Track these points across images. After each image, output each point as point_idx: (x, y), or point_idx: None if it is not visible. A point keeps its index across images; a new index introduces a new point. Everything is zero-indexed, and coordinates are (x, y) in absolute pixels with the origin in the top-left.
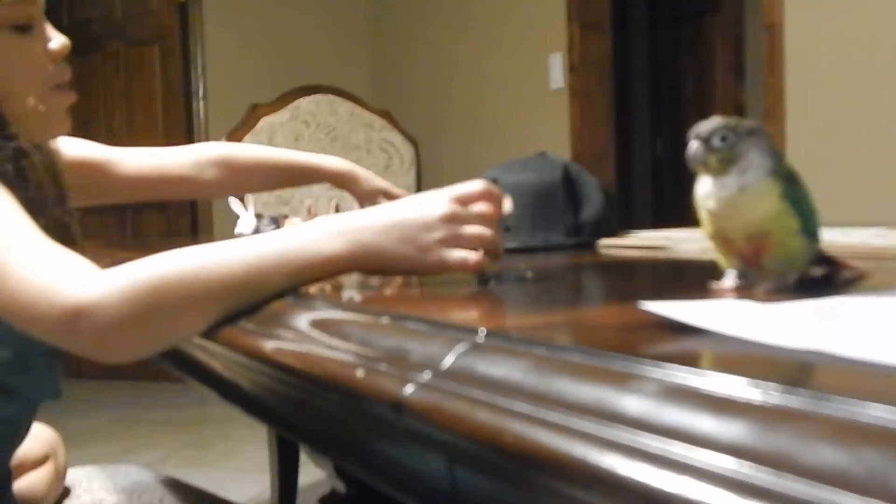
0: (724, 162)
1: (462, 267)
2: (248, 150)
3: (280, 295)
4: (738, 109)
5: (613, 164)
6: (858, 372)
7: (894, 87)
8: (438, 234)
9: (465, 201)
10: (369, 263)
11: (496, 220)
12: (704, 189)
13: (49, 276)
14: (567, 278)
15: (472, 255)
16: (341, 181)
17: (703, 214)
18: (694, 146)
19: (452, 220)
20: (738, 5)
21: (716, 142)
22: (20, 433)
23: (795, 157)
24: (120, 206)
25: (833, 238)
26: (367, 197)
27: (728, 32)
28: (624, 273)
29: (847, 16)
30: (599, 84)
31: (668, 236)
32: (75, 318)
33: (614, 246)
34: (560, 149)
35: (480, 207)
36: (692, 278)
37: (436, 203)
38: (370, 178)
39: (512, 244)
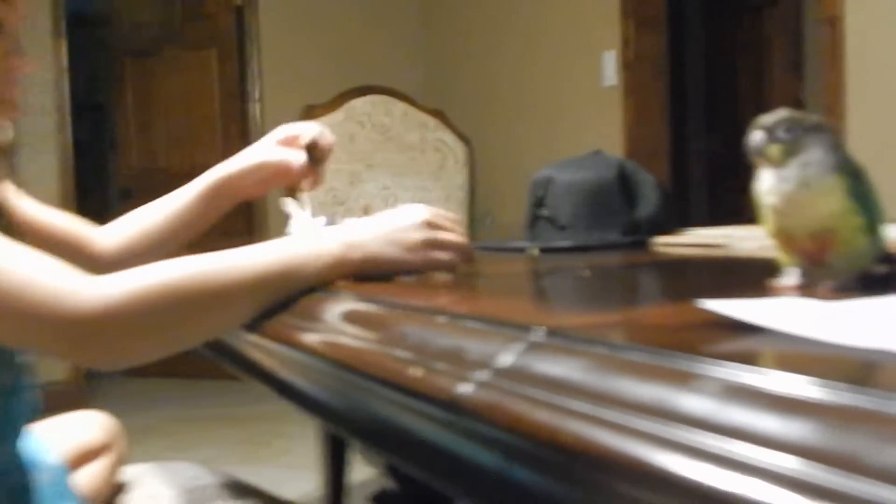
0: (787, 153)
1: (443, 265)
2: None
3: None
4: (797, 106)
5: (668, 161)
6: None
7: None
8: (422, 235)
9: (437, 215)
10: (365, 266)
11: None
12: (765, 183)
13: (46, 289)
14: (624, 277)
15: (451, 256)
16: (268, 173)
17: (763, 210)
18: (758, 135)
19: (431, 225)
20: None
21: (780, 133)
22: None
23: (856, 155)
24: None
25: None
26: (311, 165)
27: (786, 27)
28: (681, 271)
29: None
30: (654, 81)
31: (725, 234)
32: (83, 330)
33: (671, 244)
34: (613, 147)
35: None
36: (751, 276)
37: (416, 212)
38: (292, 148)
39: (568, 243)
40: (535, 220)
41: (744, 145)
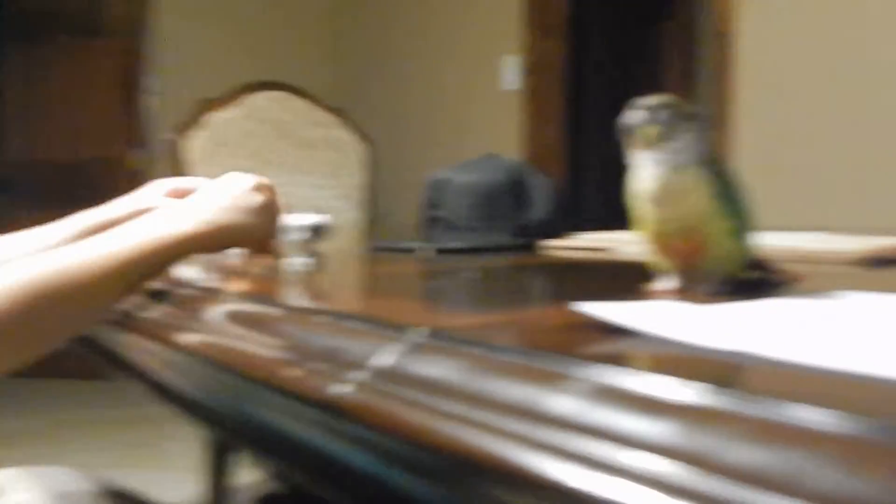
0: (661, 137)
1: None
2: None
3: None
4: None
5: (565, 165)
6: (783, 373)
7: (843, 95)
8: (260, 197)
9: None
10: (218, 238)
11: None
12: (638, 169)
13: None
14: (510, 278)
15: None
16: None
17: (635, 199)
18: (635, 115)
19: (260, 188)
20: (691, 13)
21: (660, 115)
22: None
23: (744, 163)
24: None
25: (774, 242)
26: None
27: (681, 40)
28: (566, 274)
29: (797, 25)
30: (553, 87)
31: (612, 238)
32: None
33: (559, 247)
34: (512, 150)
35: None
36: (632, 280)
37: (244, 177)
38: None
39: (460, 244)
40: (429, 221)
41: (619, 124)
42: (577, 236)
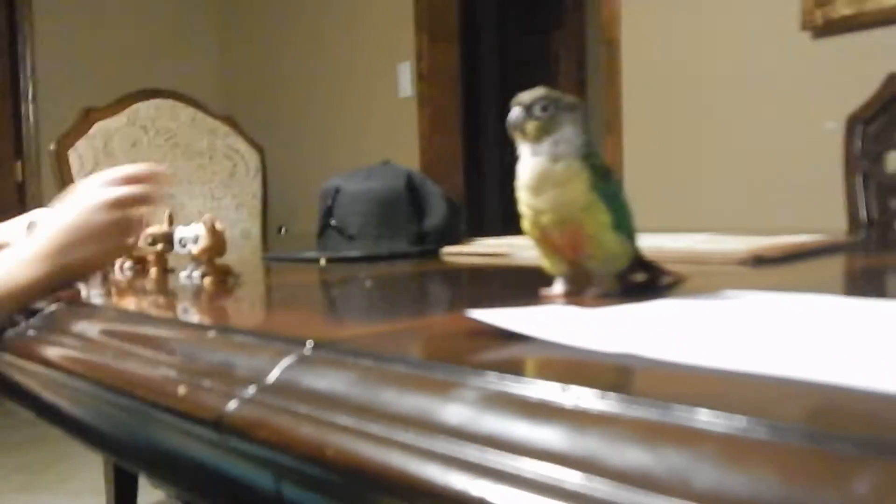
0: (541, 131)
1: (130, 249)
2: None
3: None
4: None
5: (462, 171)
6: (669, 374)
7: (725, 100)
8: (106, 217)
9: (127, 181)
10: (66, 277)
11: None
12: (522, 161)
13: None
14: (407, 286)
15: (135, 240)
16: None
17: (520, 195)
18: (515, 112)
19: (116, 205)
20: (581, 21)
21: (536, 110)
22: None
23: (633, 167)
24: None
25: (660, 243)
26: None
27: (573, 47)
28: (463, 280)
29: (679, 31)
30: (448, 93)
31: (509, 243)
32: None
33: (457, 253)
34: (410, 157)
35: (138, 189)
36: (527, 284)
37: (98, 194)
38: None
39: (356, 253)
40: (324, 230)
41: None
42: (475, 242)
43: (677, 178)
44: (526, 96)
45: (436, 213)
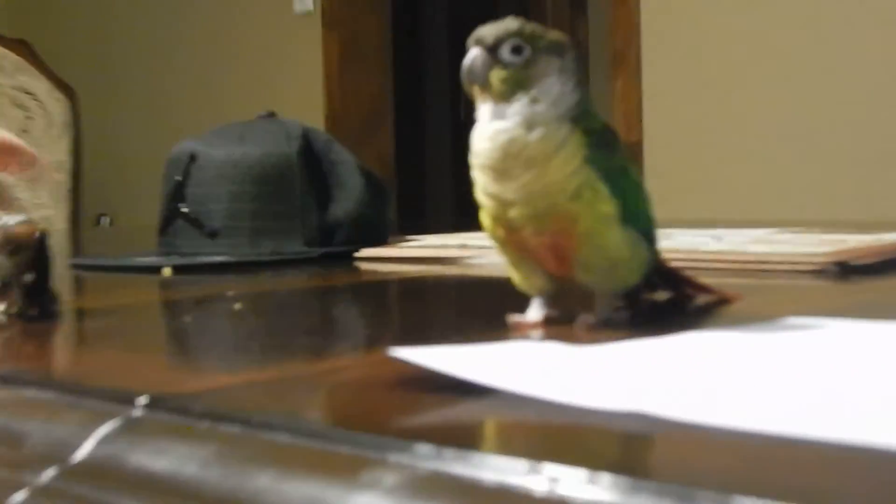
0: (512, 84)
1: None
2: None
3: None
4: (578, 51)
5: (392, 132)
6: (692, 444)
7: (789, 29)
8: None
9: None
10: None
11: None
12: (481, 127)
13: None
14: (299, 311)
15: None
16: None
17: (476, 178)
18: (474, 55)
19: None
20: None
21: (504, 53)
22: None
23: (652, 128)
24: None
25: (693, 242)
26: None
27: None
28: (389, 301)
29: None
30: (371, 9)
31: (463, 243)
32: None
33: (381, 258)
34: (309, 108)
35: None
36: (490, 308)
37: None
38: None
39: (219, 257)
40: (170, 221)
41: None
42: (411, 241)
43: (716, 147)
44: (489, 31)
45: (348, 196)
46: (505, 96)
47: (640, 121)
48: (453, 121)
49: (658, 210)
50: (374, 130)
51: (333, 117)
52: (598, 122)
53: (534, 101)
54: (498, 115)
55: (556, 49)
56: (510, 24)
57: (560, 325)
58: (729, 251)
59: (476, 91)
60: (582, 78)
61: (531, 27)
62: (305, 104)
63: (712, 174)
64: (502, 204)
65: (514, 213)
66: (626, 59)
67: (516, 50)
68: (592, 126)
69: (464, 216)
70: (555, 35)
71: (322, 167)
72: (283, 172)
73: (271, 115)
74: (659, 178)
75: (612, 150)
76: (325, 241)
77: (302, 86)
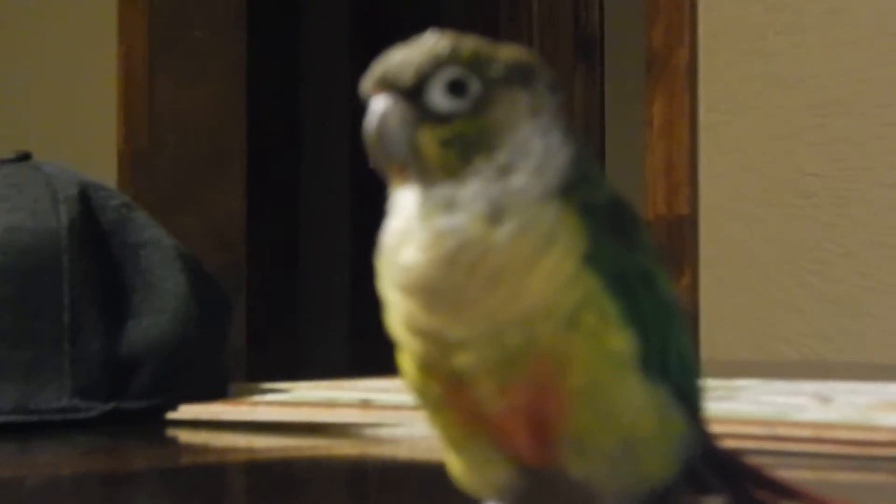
0: (462, 147)
1: None
2: None
3: None
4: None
5: (243, 190)
6: None
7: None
8: None
9: None
10: None
11: None
12: (400, 216)
13: None
14: None
15: None
16: None
17: (392, 300)
18: (383, 108)
19: None
20: None
21: (436, 97)
22: None
23: (719, 179)
24: None
25: (776, 405)
26: None
27: None
28: (226, 501)
29: None
30: None
31: (366, 399)
32: None
33: (216, 423)
34: (94, 143)
35: None
36: None
37: None
38: None
39: None
40: None
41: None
42: (273, 392)
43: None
44: (404, 63)
45: (157, 307)
46: (451, 170)
47: (692, 177)
48: (352, 165)
49: (712, 345)
50: (209, 185)
51: (135, 161)
52: (603, 194)
53: (504, 169)
54: (439, 202)
55: (520, 75)
56: (436, 44)
57: None
58: (845, 423)
59: (394, 171)
60: (569, 118)
61: (470, 44)
62: (86, 135)
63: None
64: (442, 347)
65: (462, 359)
66: (671, 67)
67: (455, 88)
68: (594, 200)
69: (366, 347)
70: (511, 53)
71: (113, 255)
72: (40, 264)
73: (24, 157)
74: (722, 286)
75: (628, 241)
76: (114, 389)
77: (85, 110)
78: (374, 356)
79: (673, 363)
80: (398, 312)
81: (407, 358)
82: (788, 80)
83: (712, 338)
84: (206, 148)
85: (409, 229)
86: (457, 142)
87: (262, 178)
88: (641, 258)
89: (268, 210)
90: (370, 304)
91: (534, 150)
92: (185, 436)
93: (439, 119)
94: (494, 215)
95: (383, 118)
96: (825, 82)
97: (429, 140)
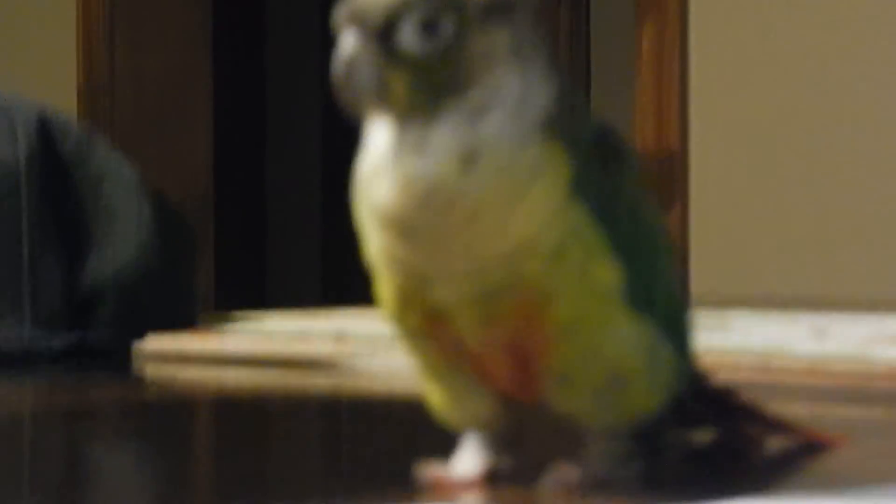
0: (432, 87)
1: None
2: None
3: None
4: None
5: (209, 134)
6: None
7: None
8: None
9: None
10: None
11: None
12: (377, 157)
13: None
14: (13, 462)
15: None
16: None
17: (369, 232)
18: (351, 48)
19: None
20: None
21: (408, 37)
22: None
23: (710, 113)
24: None
25: (765, 336)
26: None
27: None
28: (196, 442)
29: None
30: None
31: (340, 332)
32: None
33: (183, 356)
34: (53, 77)
35: None
36: (393, 451)
37: None
38: None
39: None
40: None
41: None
42: (242, 323)
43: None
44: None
45: (121, 239)
46: (421, 110)
47: (683, 111)
48: (323, 109)
49: (705, 279)
50: (175, 126)
51: (96, 95)
52: (589, 127)
53: (477, 110)
54: (411, 144)
55: (499, 9)
56: None
57: (516, 486)
58: (839, 356)
59: (371, 106)
60: (552, 54)
61: None
62: (46, 68)
63: (809, 214)
64: (421, 279)
65: (442, 292)
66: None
67: (428, 27)
68: (579, 134)
69: (338, 277)
70: None
71: (74, 186)
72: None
73: None
74: (712, 221)
75: (617, 172)
76: (76, 321)
77: (40, 37)
78: (346, 287)
79: (660, 295)
80: (376, 243)
81: (385, 287)
82: (782, 6)
83: (703, 273)
84: (172, 78)
85: (382, 166)
86: (427, 84)
87: (229, 109)
88: (628, 190)
89: (236, 138)
90: (342, 234)
91: (511, 89)
92: (151, 369)
93: (410, 60)
94: (467, 158)
95: (351, 59)
96: (823, 12)
97: (398, 82)
